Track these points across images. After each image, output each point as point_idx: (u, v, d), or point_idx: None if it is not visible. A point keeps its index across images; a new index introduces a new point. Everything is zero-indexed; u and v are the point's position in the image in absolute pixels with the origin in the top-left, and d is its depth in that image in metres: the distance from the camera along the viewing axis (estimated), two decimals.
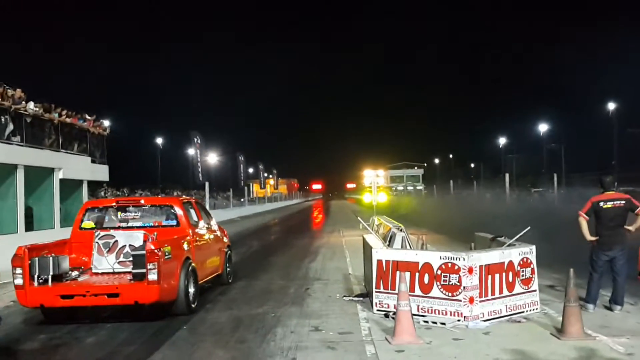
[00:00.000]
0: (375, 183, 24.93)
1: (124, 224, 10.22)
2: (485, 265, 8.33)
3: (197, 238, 10.46)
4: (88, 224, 10.18)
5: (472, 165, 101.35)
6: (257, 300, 10.58)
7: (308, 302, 10.35)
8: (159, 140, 69.39)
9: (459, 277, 8.21)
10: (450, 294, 8.27)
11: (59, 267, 8.90)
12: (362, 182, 26.35)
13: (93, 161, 24.36)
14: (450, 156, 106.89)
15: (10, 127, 18.26)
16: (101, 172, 25.28)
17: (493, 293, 8.39)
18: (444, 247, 16.13)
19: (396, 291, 8.24)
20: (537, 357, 6.73)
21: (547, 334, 7.64)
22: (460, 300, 8.19)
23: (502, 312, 8.44)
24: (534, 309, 8.79)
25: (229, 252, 12.54)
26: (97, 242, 9.62)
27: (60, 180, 21.25)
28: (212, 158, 64.55)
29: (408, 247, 13.29)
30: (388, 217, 19.73)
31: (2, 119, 17.81)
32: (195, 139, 41.99)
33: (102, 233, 9.73)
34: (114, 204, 10.50)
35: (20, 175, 18.50)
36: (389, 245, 14.69)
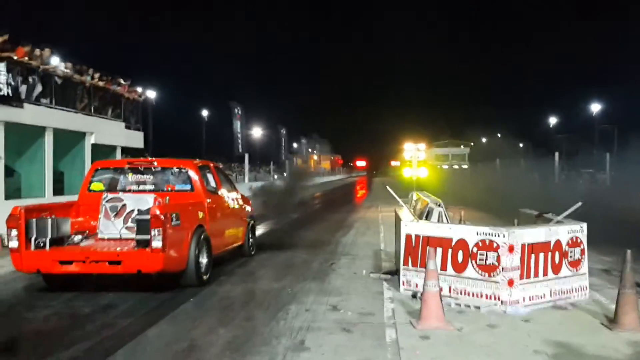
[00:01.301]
0: (416, 157, 23.83)
1: (134, 187, 9.51)
2: (528, 244, 7.33)
3: (214, 205, 9.67)
4: (97, 185, 9.50)
5: (521, 144, 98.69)
6: (276, 274, 9.79)
7: (331, 278, 9.50)
8: (204, 113, 69.15)
9: (498, 255, 7.23)
10: (487, 275, 7.30)
11: (58, 230, 8.22)
12: (403, 156, 25.21)
13: (128, 127, 23.89)
14: (498, 135, 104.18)
15: (39, 88, 17.78)
16: (136, 139, 24.79)
17: (536, 275, 7.39)
18: (484, 224, 15.02)
19: None
20: (584, 350, 5.75)
21: (597, 324, 6.65)
22: (498, 282, 7.22)
23: (546, 297, 7.45)
24: (582, 295, 7.76)
25: (252, 222, 11.76)
26: (104, 205, 8.92)
27: (93, 145, 20.84)
28: (257, 132, 64.11)
29: (445, 222, 12.40)
30: (427, 193, 18.78)
31: (30, 80, 17.34)
32: (236, 110, 41.34)
33: (110, 196, 9.03)
34: (126, 165, 9.78)
35: (49, 138, 18.07)
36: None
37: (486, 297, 7.29)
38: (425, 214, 14.39)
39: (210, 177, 10.13)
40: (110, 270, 7.91)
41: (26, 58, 16.81)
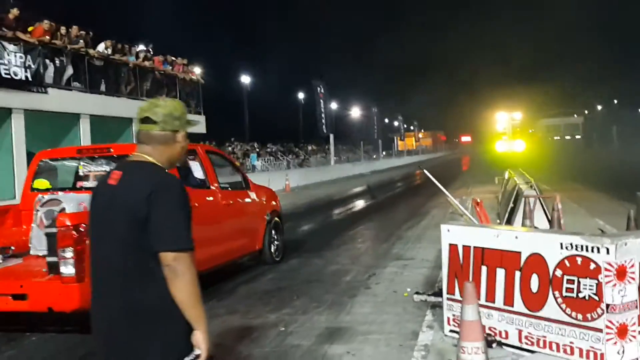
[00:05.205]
0: (510, 128, 20.33)
1: (86, 184, 7.09)
2: None
3: (196, 203, 7.07)
4: (42, 183, 7.15)
5: None
6: (285, 296, 7.06)
7: (355, 301, 6.67)
8: (300, 95, 67.01)
9: (598, 283, 4.18)
10: (580, 316, 4.28)
11: None
12: (496, 127, 21.66)
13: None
14: (615, 101, 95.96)
15: (70, 71, 15.96)
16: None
17: None
18: (597, 212, 11.63)
19: (483, 301, 4.51)
20: None
21: None
22: (601, 330, 4.17)
23: None
24: None
25: (273, 219, 9.02)
26: (38, 211, 6.54)
27: None
28: (355, 112, 61.33)
29: (542, 211, 9.49)
30: (522, 171, 15.62)
31: (57, 61, 15.49)
32: (319, 88, 38.75)
33: (47, 197, 6.63)
34: (76, 154, 7.37)
35: (84, 126, 16.30)
36: (512, 210, 10.84)
37: (580, 354, 4.28)
38: (513, 199, 11.34)
39: (195, 166, 7.53)
40: (16, 307, 5.48)
41: (47, 37, 14.92)
